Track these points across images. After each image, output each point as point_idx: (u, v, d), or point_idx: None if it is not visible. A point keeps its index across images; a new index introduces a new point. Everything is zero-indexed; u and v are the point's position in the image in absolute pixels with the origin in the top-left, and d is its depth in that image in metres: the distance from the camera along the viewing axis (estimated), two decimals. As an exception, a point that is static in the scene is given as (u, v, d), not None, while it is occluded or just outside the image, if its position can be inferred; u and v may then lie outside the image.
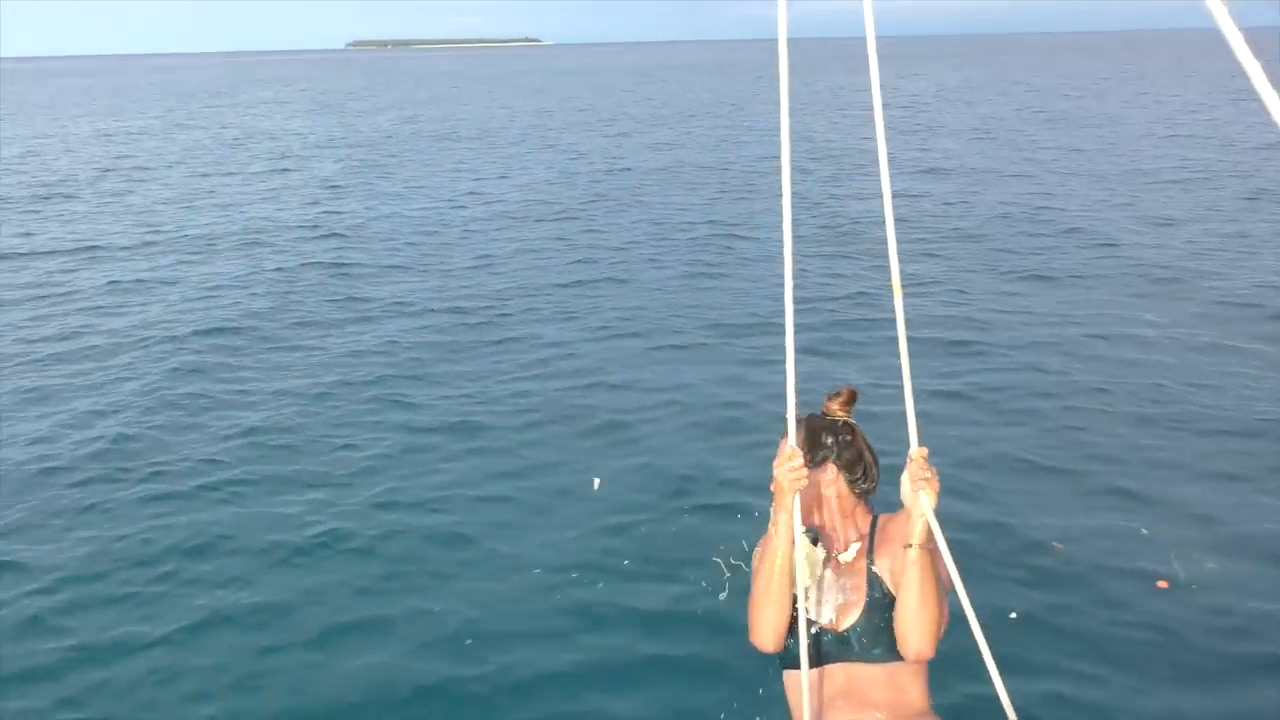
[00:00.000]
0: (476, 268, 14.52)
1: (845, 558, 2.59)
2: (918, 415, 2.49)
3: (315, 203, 20.80)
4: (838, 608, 2.49)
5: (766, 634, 2.44)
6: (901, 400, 2.49)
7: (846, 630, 2.46)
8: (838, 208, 18.52)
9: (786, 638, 2.45)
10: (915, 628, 2.35)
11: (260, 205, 20.52)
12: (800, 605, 2.45)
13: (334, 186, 23.15)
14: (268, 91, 74.49)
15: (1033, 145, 27.92)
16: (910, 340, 2.44)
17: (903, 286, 2.54)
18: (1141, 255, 14.26)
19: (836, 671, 2.45)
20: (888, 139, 2.68)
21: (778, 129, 2.35)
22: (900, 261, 2.53)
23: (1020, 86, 56.96)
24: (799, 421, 2.52)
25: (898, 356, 2.46)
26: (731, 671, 4.84)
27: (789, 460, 2.36)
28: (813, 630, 2.48)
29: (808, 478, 2.41)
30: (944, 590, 2.40)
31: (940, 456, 7.24)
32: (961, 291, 12.38)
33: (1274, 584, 5.75)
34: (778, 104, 2.31)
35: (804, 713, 2.38)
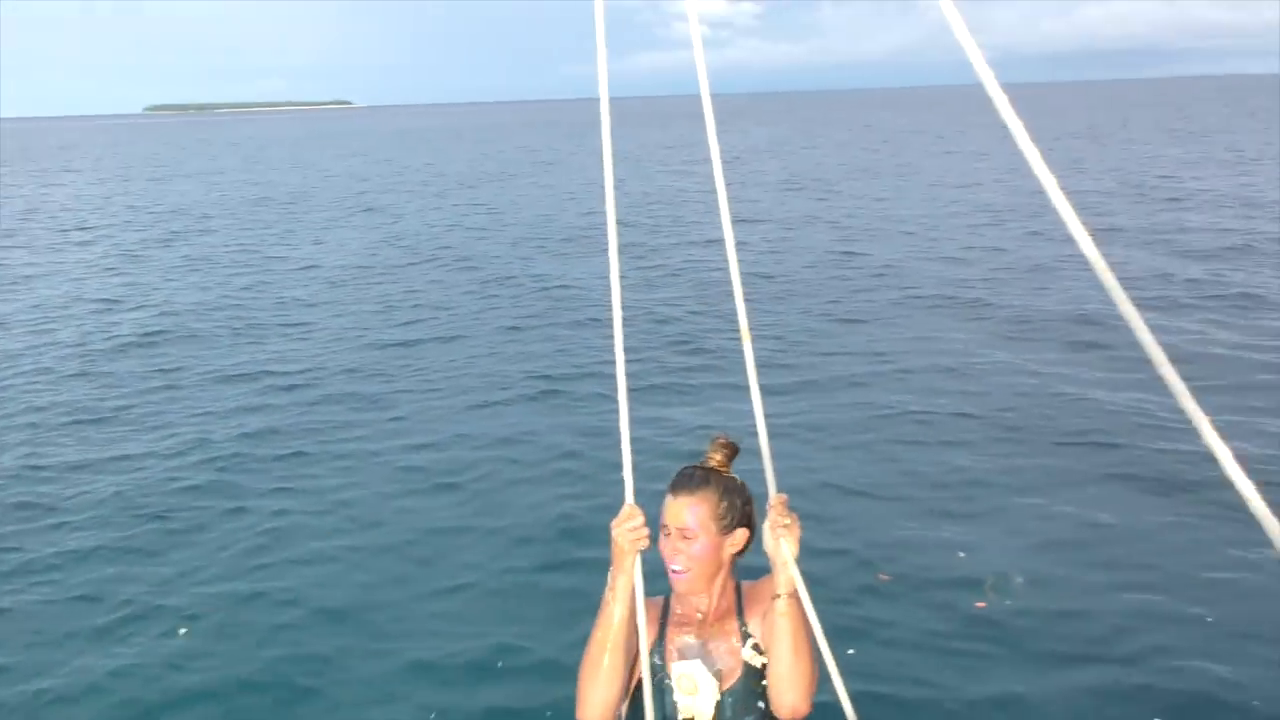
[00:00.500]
0: (291, 333, 14.07)
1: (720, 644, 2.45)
2: (774, 460, 2.42)
3: (115, 272, 19.75)
4: (709, 680, 2.34)
5: (595, 708, 2.27)
6: (756, 446, 2.46)
7: (719, 701, 2.34)
8: (661, 259, 18.91)
9: (647, 700, 2.27)
10: (790, 683, 2.23)
11: (54, 279, 19.31)
12: (646, 679, 2.29)
13: (135, 257, 22.04)
14: (60, 159, 70.52)
15: (838, 195, 29.31)
16: (734, 385, 2.43)
17: (750, 331, 2.51)
18: (942, 290, 15.16)
19: None
20: (699, 193, 2.68)
21: (596, 184, 2.32)
22: (721, 308, 2.52)
23: (825, 141, 59.84)
24: (688, 474, 2.47)
25: (749, 401, 2.42)
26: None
27: (628, 520, 2.26)
28: (671, 709, 2.36)
29: (649, 540, 2.32)
30: (813, 639, 2.29)
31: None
32: (779, 337, 12.80)
33: (1075, 588, 6.15)
34: (596, 159, 2.30)
35: None
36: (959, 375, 10.76)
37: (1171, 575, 6.33)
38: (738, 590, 2.48)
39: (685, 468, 2.48)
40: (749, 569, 2.54)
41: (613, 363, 2.30)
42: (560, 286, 16.60)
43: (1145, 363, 1.39)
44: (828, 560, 6.58)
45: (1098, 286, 1.43)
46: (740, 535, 2.44)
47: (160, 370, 12.08)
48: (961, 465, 8.22)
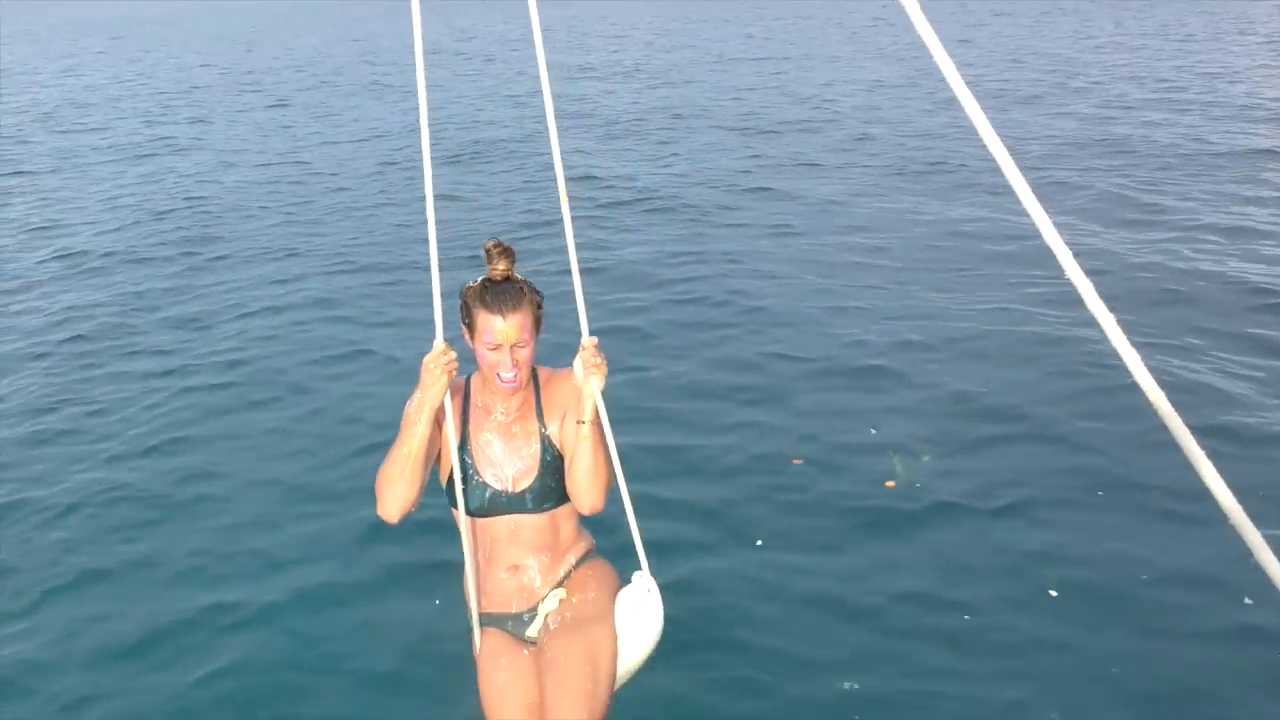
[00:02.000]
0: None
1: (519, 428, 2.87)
2: (587, 307, 2.84)
3: None
4: (514, 473, 2.78)
5: (393, 510, 2.68)
6: (572, 292, 2.85)
7: (523, 491, 2.78)
8: (481, 131, 18.31)
9: (459, 489, 2.76)
10: (589, 489, 2.73)
11: None
12: (456, 476, 2.77)
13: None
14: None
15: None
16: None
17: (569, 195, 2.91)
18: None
19: (505, 521, 2.80)
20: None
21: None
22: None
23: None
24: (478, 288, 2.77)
25: (566, 254, 2.85)
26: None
27: (444, 354, 2.64)
28: (488, 493, 2.78)
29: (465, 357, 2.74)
30: (610, 453, 2.77)
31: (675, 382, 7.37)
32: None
33: (983, 462, 6.36)
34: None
35: (468, 554, 2.81)
36: (853, 230, 10.80)
37: (1076, 446, 6.55)
38: (536, 387, 2.87)
39: (490, 284, 2.73)
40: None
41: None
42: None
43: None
44: (742, 449, 6.66)
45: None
46: (539, 332, 2.84)
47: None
48: (857, 355, 8.27)
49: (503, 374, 2.73)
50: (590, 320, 2.87)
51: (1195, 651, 4.62)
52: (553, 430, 2.81)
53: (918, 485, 6.13)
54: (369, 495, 2.78)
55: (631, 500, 2.84)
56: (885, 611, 5.01)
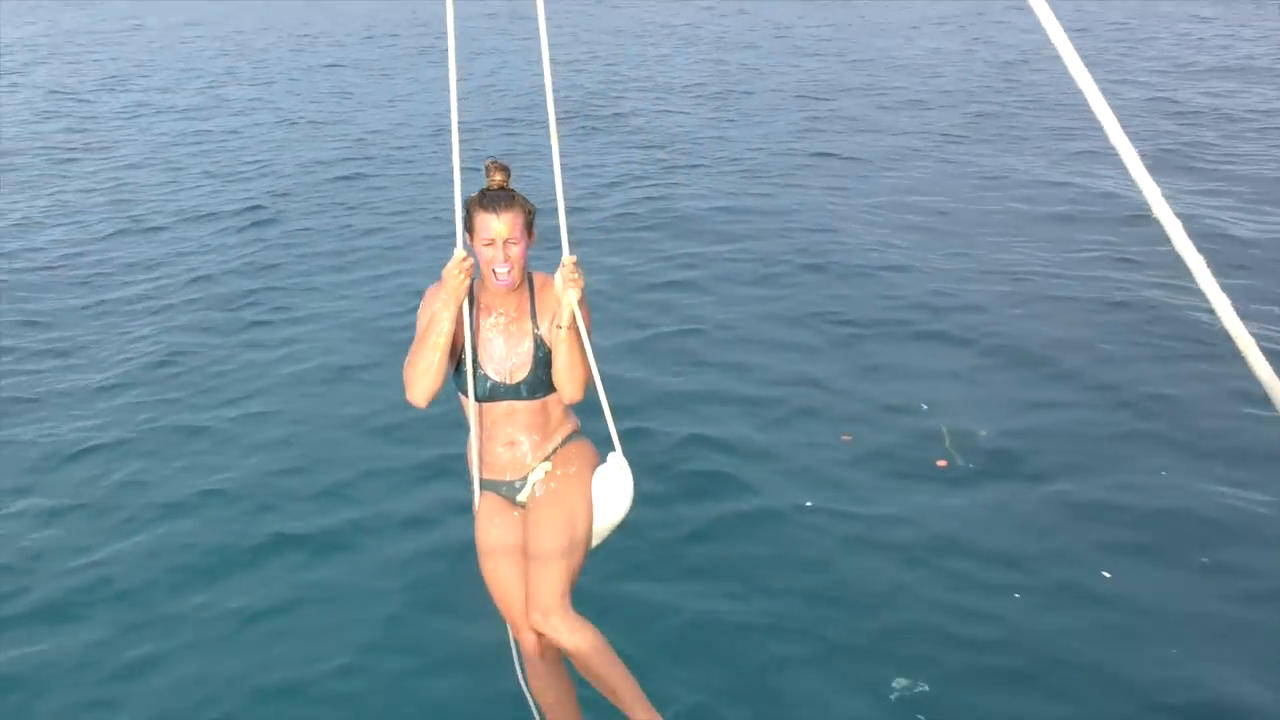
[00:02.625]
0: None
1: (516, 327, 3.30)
2: (569, 228, 3.18)
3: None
4: (511, 366, 3.24)
5: (420, 397, 3.18)
6: (556, 219, 3.18)
7: (518, 382, 3.24)
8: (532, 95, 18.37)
9: (468, 381, 3.24)
10: (568, 383, 3.21)
11: None
12: (466, 368, 3.23)
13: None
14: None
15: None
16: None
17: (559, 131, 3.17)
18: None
19: (504, 404, 3.27)
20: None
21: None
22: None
23: None
24: (486, 196, 3.17)
25: (552, 173, 3.14)
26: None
27: (464, 260, 3.09)
28: (489, 384, 3.25)
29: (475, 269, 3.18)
30: (586, 353, 3.21)
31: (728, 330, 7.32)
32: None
33: (1035, 442, 6.30)
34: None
35: (472, 431, 3.33)
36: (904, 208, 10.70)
37: (1141, 412, 6.49)
38: (531, 291, 3.28)
39: (487, 191, 3.16)
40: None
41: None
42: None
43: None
44: (789, 420, 6.66)
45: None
46: (532, 238, 3.22)
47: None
48: (915, 316, 8.23)
49: (497, 269, 3.15)
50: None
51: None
52: (544, 330, 3.24)
53: (970, 466, 6.07)
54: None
55: (606, 394, 3.27)
56: (931, 588, 5.04)
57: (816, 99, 17.56)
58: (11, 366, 7.99)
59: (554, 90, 3.17)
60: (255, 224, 11.49)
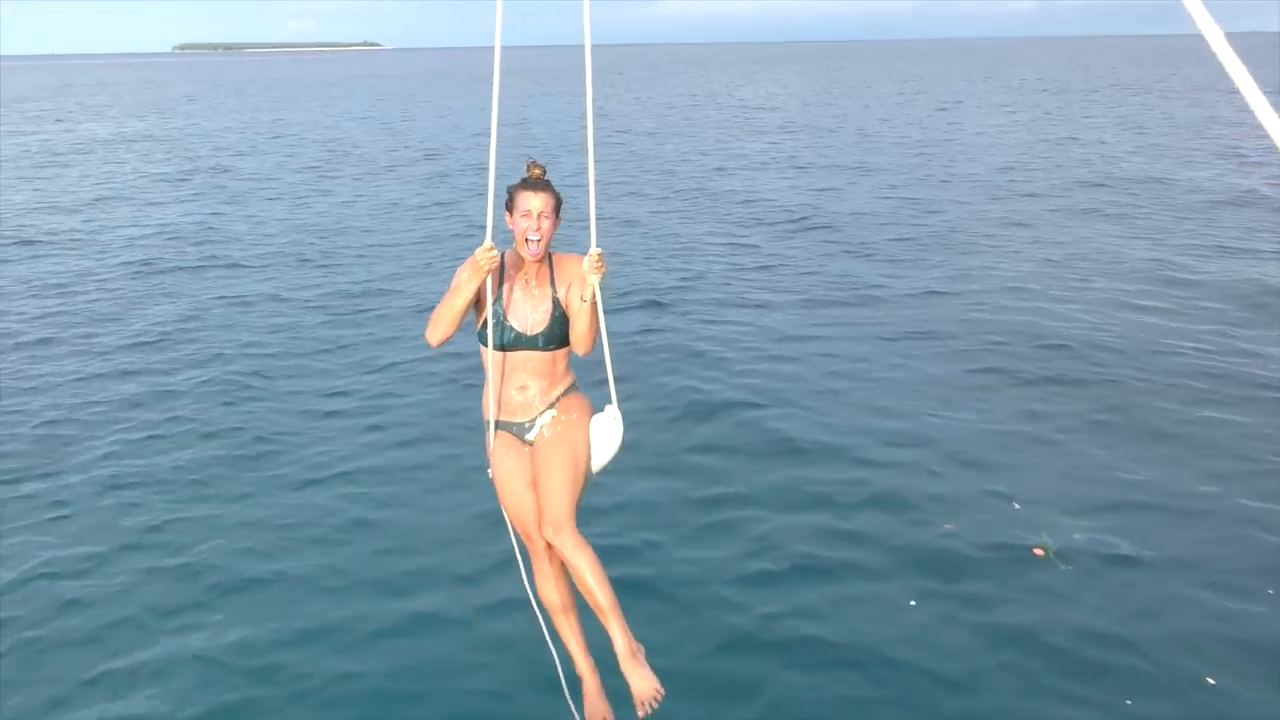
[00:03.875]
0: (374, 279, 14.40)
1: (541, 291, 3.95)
2: (598, 222, 3.79)
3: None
4: (532, 321, 3.89)
5: (435, 337, 3.85)
6: (588, 213, 3.74)
7: (536, 334, 3.89)
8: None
9: (490, 331, 3.88)
10: (584, 341, 3.91)
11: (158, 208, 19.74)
12: (490, 321, 3.87)
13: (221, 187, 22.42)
14: (106, 95, 70.88)
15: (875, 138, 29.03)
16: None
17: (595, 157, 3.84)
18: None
19: (521, 354, 3.92)
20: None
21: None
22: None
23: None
24: (521, 186, 3.87)
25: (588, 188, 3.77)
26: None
27: (490, 249, 3.71)
28: (513, 334, 3.88)
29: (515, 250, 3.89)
30: (600, 322, 3.89)
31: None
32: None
33: (1140, 540, 6.47)
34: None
35: (490, 378, 3.95)
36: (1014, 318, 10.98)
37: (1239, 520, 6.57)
38: (550, 264, 3.95)
39: (527, 179, 3.88)
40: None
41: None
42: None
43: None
44: (887, 517, 6.93)
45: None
46: (558, 221, 3.91)
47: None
48: (1006, 415, 8.47)
49: (530, 236, 3.83)
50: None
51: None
52: (560, 294, 3.92)
53: (1068, 566, 6.29)
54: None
55: (610, 355, 3.92)
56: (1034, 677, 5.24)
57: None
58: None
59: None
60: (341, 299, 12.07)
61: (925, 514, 6.94)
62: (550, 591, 3.96)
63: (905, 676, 5.27)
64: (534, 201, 3.84)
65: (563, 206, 3.93)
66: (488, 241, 3.76)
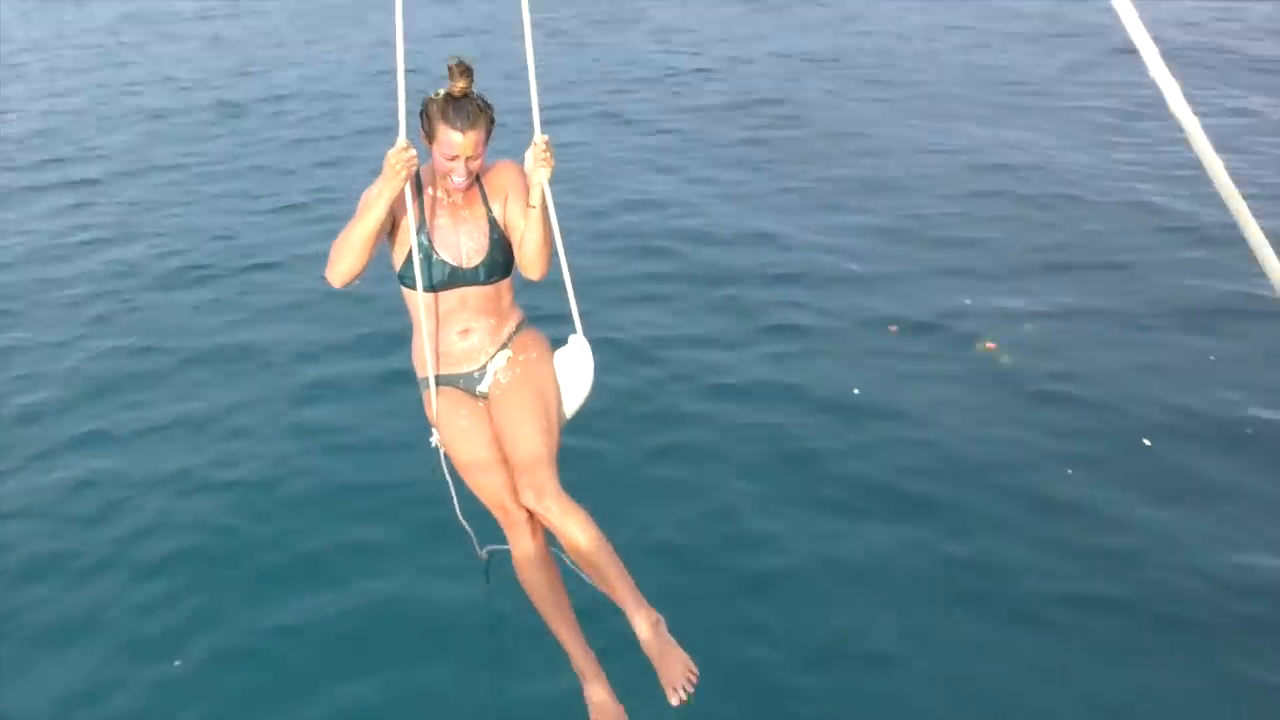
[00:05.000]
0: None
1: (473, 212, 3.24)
2: (541, 109, 3.20)
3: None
4: (467, 250, 3.19)
5: (339, 278, 3.07)
6: (529, 95, 3.19)
7: (476, 266, 3.20)
8: None
9: (417, 269, 3.13)
10: (539, 260, 3.22)
11: None
12: (415, 256, 3.12)
13: None
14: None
15: None
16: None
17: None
18: None
19: (456, 292, 3.22)
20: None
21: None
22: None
23: None
24: (435, 100, 3.05)
25: (523, 57, 3.13)
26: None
27: (406, 150, 2.96)
28: (447, 269, 3.18)
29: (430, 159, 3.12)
30: (553, 232, 3.22)
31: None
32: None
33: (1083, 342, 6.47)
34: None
35: (423, 328, 3.25)
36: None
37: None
38: (478, 179, 3.22)
39: (451, 98, 3.03)
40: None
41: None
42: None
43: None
44: (834, 315, 6.90)
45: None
46: (482, 132, 3.10)
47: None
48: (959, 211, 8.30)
49: (455, 179, 3.12)
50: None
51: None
52: (497, 212, 3.22)
53: (1014, 359, 6.30)
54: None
55: (570, 272, 3.30)
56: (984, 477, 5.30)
57: None
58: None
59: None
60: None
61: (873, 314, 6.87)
62: (535, 573, 3.20)
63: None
64: (460, 142, 3.03)
65: (495, 122, 3.14)
66: (402, 139, 2.98)
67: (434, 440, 3.39)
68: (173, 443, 5.90)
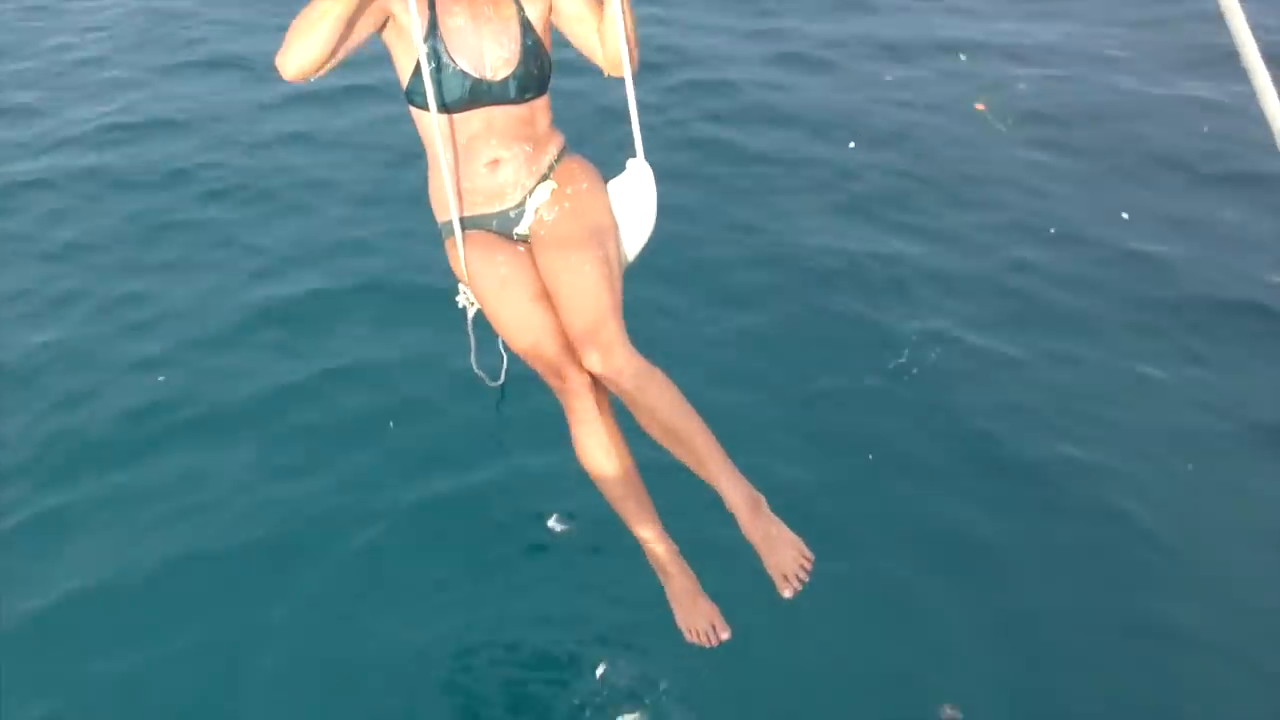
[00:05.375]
0: None
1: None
2: None
3: None
4: (494, 61, 2.52)
5: (293, 66, 2.35)
6: None
7: (505, 79, 2.52)
8: None
9: (428, 83, 2.46)
10: (632, 48, 2.51)
11: None
12: (425, 67, 2.45)
13: None
14: None
15: None
16: None
17: None
18: None
19: (480, 113, 2.55)
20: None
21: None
22: None
23: None
24: None
25: None
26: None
27: None
28: (468, 82, 2.50)
29: None
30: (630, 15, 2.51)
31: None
32: None
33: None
34: None
35: (440, 160, 2.57)
36: None
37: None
38: None
39: None
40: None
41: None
42: None
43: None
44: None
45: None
46: None
47: None
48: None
49: None
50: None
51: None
52: (531, 12, 2.55)
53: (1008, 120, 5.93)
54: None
55: (633, 78, 2.55)
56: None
57: None
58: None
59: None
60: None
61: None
62: (602, 452, 2.57)
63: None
64: None
65: None
66: None
67: (460, 299, 2.79)
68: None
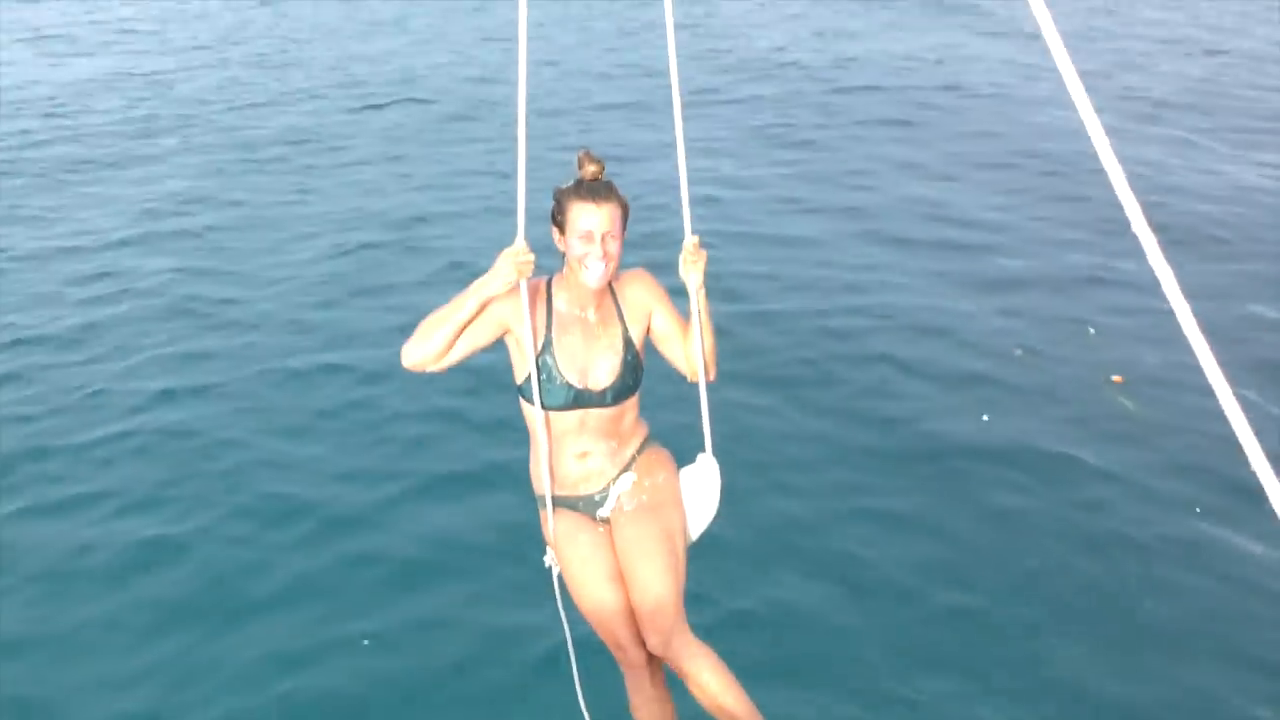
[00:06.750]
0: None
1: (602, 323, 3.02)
2: (691, 208, 2.97)
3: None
4: (597, 374, 2.95)
5: (412, 359, 2.89)
6: (679, 199, 3.00)
7: (604, 389, 2.95)
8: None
9: (535, 388, 2.92)
10: (710, 367, 3.04)
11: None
12: (534, 376, 2.92)
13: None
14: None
15: None
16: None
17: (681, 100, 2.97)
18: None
19: (574, 415, 2.97)
20: None
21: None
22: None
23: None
24: (568, 189, 2.89)
25: (675, 164, 3.00)
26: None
27: (524, 252, 2.78)
28: (572, 393, 2.93)
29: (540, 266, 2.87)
30: (711, 336, 3.05)
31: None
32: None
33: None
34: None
35: (539, 443, 3.03)
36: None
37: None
38: (612, 290, 3.01)
39: (585, 181, 2.88)
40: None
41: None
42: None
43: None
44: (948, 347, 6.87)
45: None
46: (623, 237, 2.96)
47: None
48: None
49: (591, 264, 2.85)
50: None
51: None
52: (634, 332, 3.00)
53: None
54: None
55: (705, 384, 3.07)
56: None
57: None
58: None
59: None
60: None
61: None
62: (655, 716, 3.06)
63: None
64: (596, 217, 2.83)
65: (629, 214, 2.95)
66: (520, 240, 2.79)
67: (548, 560, 3.17)
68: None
